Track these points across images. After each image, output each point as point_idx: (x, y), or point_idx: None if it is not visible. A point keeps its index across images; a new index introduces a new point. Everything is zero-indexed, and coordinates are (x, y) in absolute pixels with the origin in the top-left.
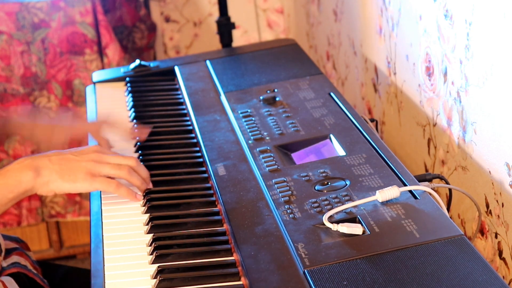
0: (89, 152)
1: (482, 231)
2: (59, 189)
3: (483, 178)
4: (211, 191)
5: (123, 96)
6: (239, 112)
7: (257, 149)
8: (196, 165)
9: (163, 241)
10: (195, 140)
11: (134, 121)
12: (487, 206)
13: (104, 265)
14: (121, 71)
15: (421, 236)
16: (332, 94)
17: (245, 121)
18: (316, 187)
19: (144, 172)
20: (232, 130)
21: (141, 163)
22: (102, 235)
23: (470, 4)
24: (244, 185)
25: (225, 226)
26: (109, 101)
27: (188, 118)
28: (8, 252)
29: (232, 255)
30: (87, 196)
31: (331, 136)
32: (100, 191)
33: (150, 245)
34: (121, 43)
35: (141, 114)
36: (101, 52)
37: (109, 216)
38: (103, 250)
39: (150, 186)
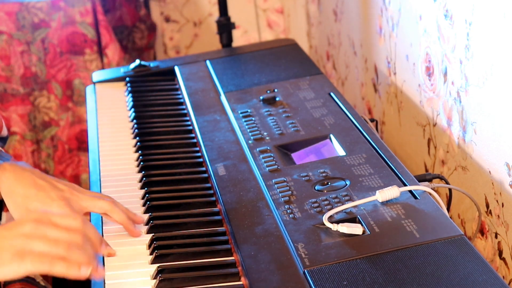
0: (24, 223)
1: (482, 231)
2: None
3: (483, 178)
4: (211, 191)
5: (123, 96)
6: (239, 112)
7: (257, 149)
8: (196, 165)
9: (163, 241)
10: (195, 140)
11: (134, 121)
12: (487, 206)
13: (104, 265)
14: (121, 71)
15: (421, 236)
16: (332, 94)
17: (245, 121)
18: (316, 187)
19: (120, 216)
20: (232, 130)
21: (119, 205)
22: (102, 235)
23: (470, 4)
24: (244, 185)
25: (225, 226)
26: (109, 101)
27: (188, 118)
28: None
29: (232, 255)
30: None
31: (331, 136)
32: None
33: (150, 245)
34: (121, 43)
35: (141, 114)
36: (101, 52)
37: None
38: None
39: (104, 252)
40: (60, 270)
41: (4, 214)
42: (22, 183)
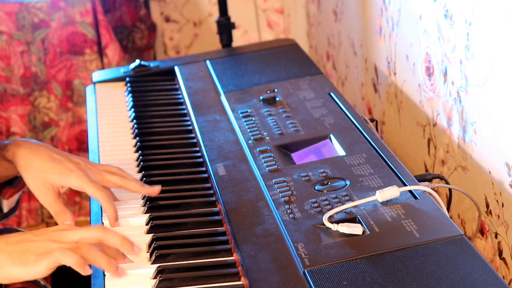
0: (51, 231)
1: (482, 231)
2: (10, 275)
3: (483, 178)
4: (211, 191)
5: (123, 96)
6: (239, 112)
7: (257, 149)
8: (196, 165)
9: (163, 241)
10: (195, 140)
11: (134, 121)
12: (487, 206)
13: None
14: (121, 71)
15: (421, 236)
16: (332, 94)
17: (245, 121)
18: (316, 187)
19: (114, 239)
20: (232, 130)
21: (110, 230)
22: None
23: (470, 4)
24: (244, 185)
25: (225, 226)
26: (109, 101)
27: (188, 118)
28: None
29: (232, 255)
30: (87, 196)
31: (331, 136)
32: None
33: (150, 245)
34: (121, 43)
35: (141, 114)
36: (101, 52)
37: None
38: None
39: (126, 261)
40: (97, 261)
41: (5, 201)
42: (38, 157)
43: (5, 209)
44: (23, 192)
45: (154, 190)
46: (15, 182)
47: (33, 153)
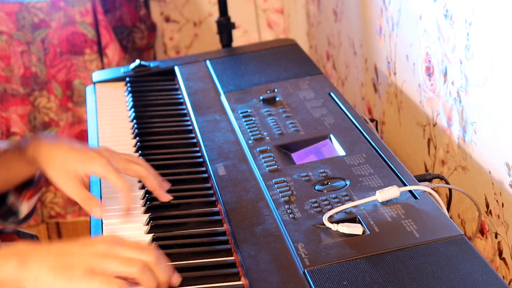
0: (98, 242)
1: (482, 231)
2: None
3: (483, 178)
4: (211, 191)
5: (123, 96)
6: (239, 112)
7: (257, 149)
8: (196, 165)
9: (163, 241)
10: (195, 140)
11: (134, 121)
12: (487, 206)
13: None
14: (121, 71)
15: (421, 236)
16: (332, 94)
17: (245, 121)
18: (316, 187)
19: (163, 273)
20: (232, 130)
21: (163, 260)
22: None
23: (470, 4)
24: (244, 185)
25: (225, 226)
26: (109, 101)
27: (188, 118)
28: None
29: (232, 255)
30: None
31: (331, 136)
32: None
33: None
34: (121, 43)
35: (141, 114)
36: (101, 52)
37: (109, 216)
38: None
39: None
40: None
41: (25, 203)
42: (59, 148)
43: (25, 211)
44: None
45: (166, 197)
46: (35, 182)
47: (54, 145)
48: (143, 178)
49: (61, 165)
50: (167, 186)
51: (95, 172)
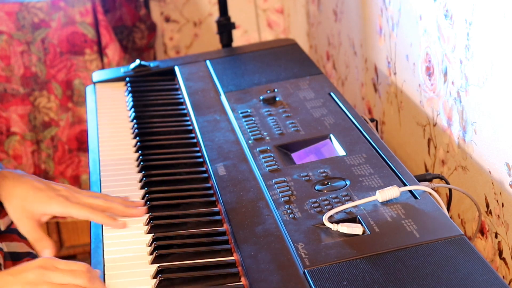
0: (29, 269)
1: (482, 231)
2: None
3: (483, 178)
4: (211, 191)
5: (123, 96)
6: (239, 112)
7: (257, 149)
8: (196, 165)
9: (163, 241)
10: (195, 140)
11: (134, 121)
12: (487, 206)
13: (104, 265)
14: (121, 71)
15: (421, 236)
16: (332, 94)
17: (245, 121)
18: (316, 187)
19: (99, 280)
20: (232, 130)
21: (98, 278)
22: (102, 235)
23: (470, 4)
24: (244, 185)
25: (225, 226)
26: (109, 101)
27: (188, 118)
28: (19, 257)
29: (232, 255)
30: None
31: (331, 136)
32: None
33: (150, 245)
34: (121, 43)
35: (141, 114)
36: (101, 52)
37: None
38: (103, 250)
39: None
40: None
41: (0, 221)
42: (20, 186)
43: (3, 228)
44: None
45: (138, 212)
46: None
47: (15, 183)
48: (107, 210)
49: (19, 203)
50: (139, 203)
51: (53, 211)
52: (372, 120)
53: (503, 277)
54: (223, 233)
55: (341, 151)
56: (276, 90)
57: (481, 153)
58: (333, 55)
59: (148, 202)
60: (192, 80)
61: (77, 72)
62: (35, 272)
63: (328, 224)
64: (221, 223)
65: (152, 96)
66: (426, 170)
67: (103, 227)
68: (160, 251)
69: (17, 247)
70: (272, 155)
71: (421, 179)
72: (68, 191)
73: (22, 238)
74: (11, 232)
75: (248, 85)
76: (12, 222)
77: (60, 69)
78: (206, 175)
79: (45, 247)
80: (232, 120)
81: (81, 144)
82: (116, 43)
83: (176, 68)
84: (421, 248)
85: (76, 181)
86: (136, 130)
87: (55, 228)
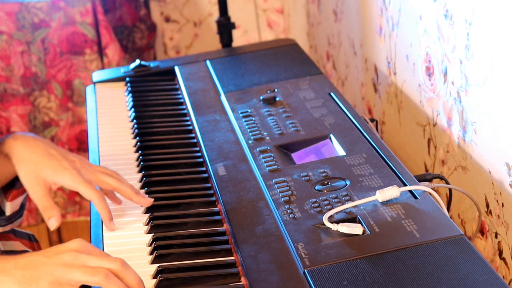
0: (64, 252)
1: (482, 231)
2: None
3: (483, 178)
4: (211, 191)
5: (123, 96)
6: (239, 112)
7: (257, 149)
8: (196, 165)
9: (163, 241)
10: (195, 140)
11: (134, 121)
12: (487, 206)
13: None
14: (121, 71)
15: (421, 236)
16: (332, 94)
17: (245, 121)
18: (316, 187)
19: (132, 278)
20: (232, 130)
21: (130, 266)
22: (102, 235)
23: (470, 4)
24: (244, 185)
25: (225, 226)
26: (109, 101)
27: (188, 118)
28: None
29: (232, 255)
30: None
31: (331, 136)
32: None
33: (150, 245)
34: (121, 43)
35: (141, 114)
36: (101, 52)
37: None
38: (103, 250)
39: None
40: None
41: (8, 203)
42: (34, 151)
43: (8, 212)
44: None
45: (146, 201)
46: (17, 183)
47: (29, 146)
48: (117, 190)
49: (32, 168)
50: (144, 195)
51: (64, 183)
52: (372, 120)
53: (503, 277)
54: (223, 233)
55: (341, 151)
56: (276, 90)
57: (481, 153)
58: (333, 55)
59: None
60: (192, 80)
61: (77, 72)
62: (70, 255)
63: (328, 224)
64: (221, 223)
65: (152, 96)
66: (426, 170)
67: (103, 227)
68: (160, 251)
69: (13, 246)
70: (272, 155)
71: (421, 179)
72: (81, 163)
73: (17, 237)
74: (8, 232)
75: (248, 85)
76: (18, 208)
77: (60, 69)
78: (206, 175)
79: (53, 216)
80: (232, 120)
81: (81, 144)
82: (116, 43)
83: (176, 68)
84: (421, 248)
85: None
86: (136, 130)
87: None
